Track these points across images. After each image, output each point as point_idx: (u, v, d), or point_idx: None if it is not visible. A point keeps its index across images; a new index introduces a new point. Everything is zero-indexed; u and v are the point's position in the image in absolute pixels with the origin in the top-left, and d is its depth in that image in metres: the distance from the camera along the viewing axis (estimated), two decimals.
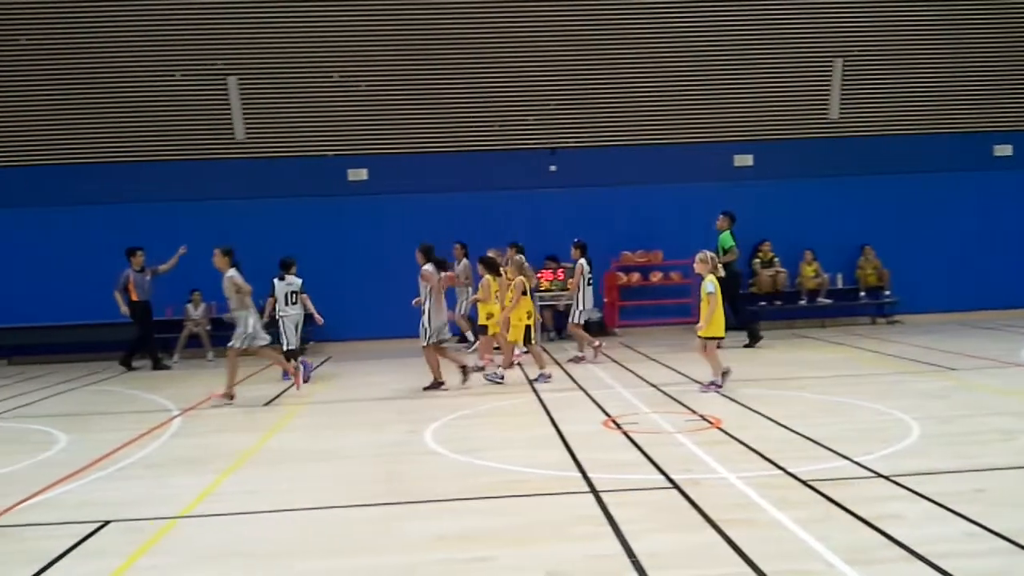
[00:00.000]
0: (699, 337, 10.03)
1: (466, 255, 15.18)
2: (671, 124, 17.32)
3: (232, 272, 10.69)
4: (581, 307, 13.22)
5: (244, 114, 16.68)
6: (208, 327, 15.98)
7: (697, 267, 10.12)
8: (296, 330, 12.49)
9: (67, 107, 16.35)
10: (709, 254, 10.15)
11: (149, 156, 16.76)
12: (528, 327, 11.47)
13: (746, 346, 14.30)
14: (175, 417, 9.88)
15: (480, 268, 12.28)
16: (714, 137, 17.48)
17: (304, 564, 4.90)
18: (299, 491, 6.46)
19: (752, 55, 16.96)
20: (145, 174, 16.72)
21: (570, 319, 13.47)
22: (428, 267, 10.94)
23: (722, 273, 10.25)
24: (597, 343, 13.45)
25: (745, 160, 17.66)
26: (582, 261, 13.26)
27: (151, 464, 7.59)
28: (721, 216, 14.60)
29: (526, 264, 12.01)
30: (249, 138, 16.86)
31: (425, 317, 10.92)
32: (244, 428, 9.22)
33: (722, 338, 10.14)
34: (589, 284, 13.30)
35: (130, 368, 14.65)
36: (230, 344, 10.79)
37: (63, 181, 16.58)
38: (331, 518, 5.78)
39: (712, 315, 9.84)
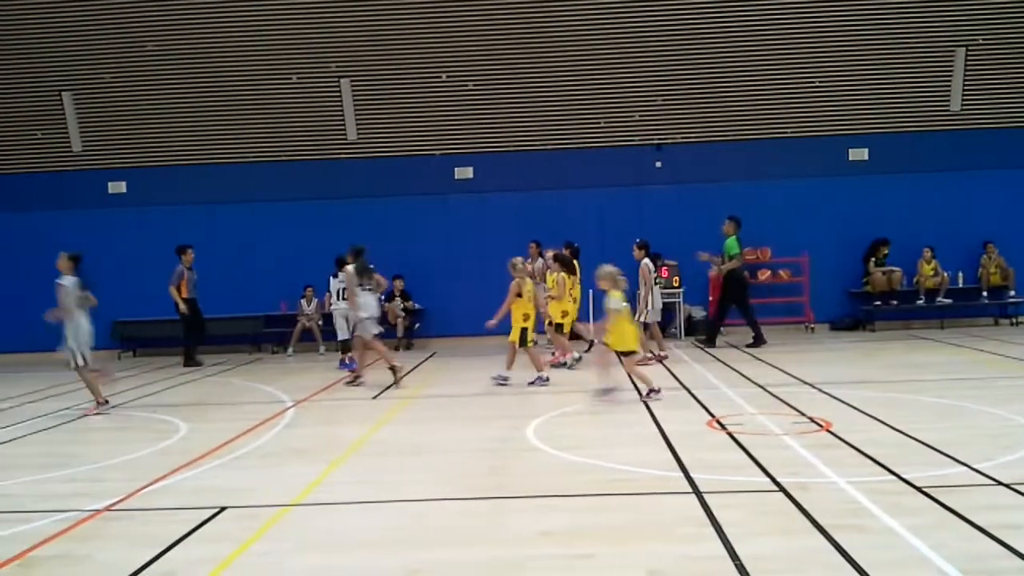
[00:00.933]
0: (615, 352, 9.76)
1: (540, 254, 15.13)
2: (781, 117, 16.94)
3: (65, 280, 10.10)
4: (649, 307, 13.08)
5: (356, 115, 17.13)
6: (320, 322, 16.50)
7: (600, 284, 9.83)
8: (348, 323, 13.23)
9: (190, 110, 17.14)
10: (608, 269, 9.71)
11: (267, 157, 17.45)
12: (524, 329, 11.39)
13: (749, 346, 14.42)
14: (288, 408, 10.22)
15: (554, 265, 12.28)
16: (827, 130, 17.01)
17: (412, 554, 4.99)
18: (406, 483, 6.60)
19: (869, 43, 16.39)
20: (262, 174, 17.42)
21: (635, 317, 13.36)
22: (349, 268, 11.61)
23: (626, 286, 9.85)
24: (662, 354, 13.25)
25: (860, 154, 17.11)
26: (646, 261, 13.09)
27: (266, 453, 7.87)
28: (727, 221, 14.68)
29: (520, 266, 11.60)
30: (361, 138, 17.30)
31: (354, 313, 11.63)
32: (353, 420, 9.47)
33: (635, 352, 9.91)
34: (657, 284, 13.24)
35: (195, 363, 15.09)
36: (77, 365, 10.18)
37: (189, 180, 17.44)
38: (437, 510, 5.88)
39: (618, 329, 9.57)
